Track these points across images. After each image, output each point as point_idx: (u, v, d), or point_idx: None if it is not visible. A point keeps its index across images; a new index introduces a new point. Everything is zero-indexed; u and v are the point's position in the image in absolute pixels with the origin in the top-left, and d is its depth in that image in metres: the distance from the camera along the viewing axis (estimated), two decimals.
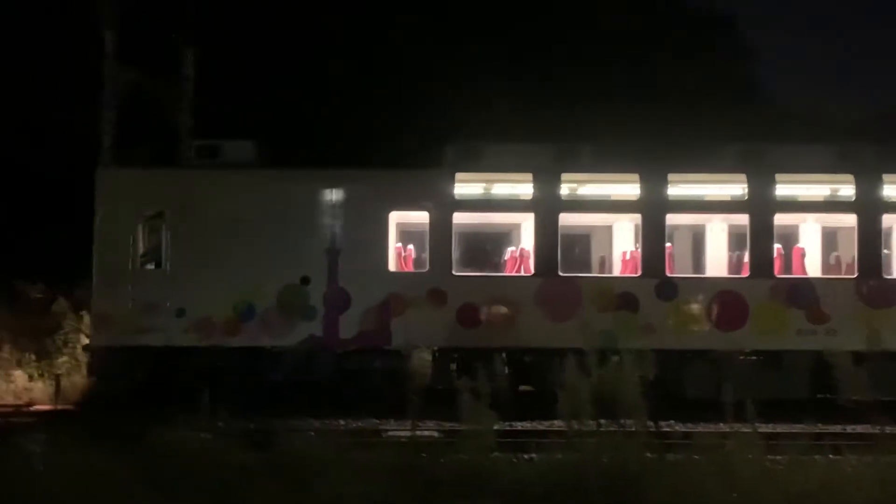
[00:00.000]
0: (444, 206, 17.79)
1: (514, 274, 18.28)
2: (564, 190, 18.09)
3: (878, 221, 17.89)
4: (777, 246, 18.23)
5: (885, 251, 18.32)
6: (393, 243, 18.03)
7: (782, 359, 17.61)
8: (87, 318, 19.85)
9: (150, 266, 18.03)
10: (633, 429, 10.72)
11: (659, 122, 24.25)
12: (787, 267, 18.41)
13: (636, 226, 18.15)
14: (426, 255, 18.05)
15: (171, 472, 10.30)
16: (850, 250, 18.46)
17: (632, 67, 29.84)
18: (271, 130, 21.94)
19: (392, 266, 17.92)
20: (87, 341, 19.21)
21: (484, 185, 18.51)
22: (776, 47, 63.55)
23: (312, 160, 19.97)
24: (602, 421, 10.79)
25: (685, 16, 34.06)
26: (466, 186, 18.21)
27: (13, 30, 28.81)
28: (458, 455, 10.80)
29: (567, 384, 10.86)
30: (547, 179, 17.86)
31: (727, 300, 17.71)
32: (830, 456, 10.77)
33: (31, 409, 18.31)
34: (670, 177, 17.91)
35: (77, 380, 19.73)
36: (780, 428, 14.15)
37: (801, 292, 17.73)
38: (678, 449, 10.92)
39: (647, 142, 18.80)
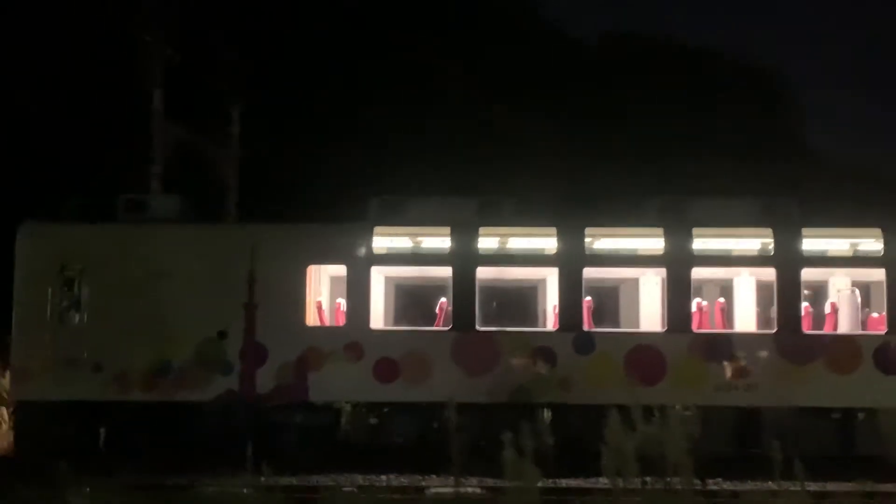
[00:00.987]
0: (363, 260, 17.86)
1: (429, 328, 18.29)
2: (483, 244, 18.14)
3: (797, 275, 17.87)
4: (697, 300, 18.24)
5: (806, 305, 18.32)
6: (311, 297, 18.06)
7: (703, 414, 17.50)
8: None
9: (69, 320, 18.06)
10: (680, 487, 10.61)
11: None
12: (711, 321, 18.43)
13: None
14: (345, 309, 18.09)
15: None
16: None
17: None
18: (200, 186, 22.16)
19: (309, 320, 17.93)
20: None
21: (403, 239, 18.57)
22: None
23: (233, 214, 20.12)
24: (647, 479, 10.70)
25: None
26: (386, 240, 18.28)
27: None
28: None
29: (610, 441, 10.67)
30: (466, 233, 17.93)
31: (645, 355, 17.67)
32: None
33: None
34: (588, 231, 17.97)
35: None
36: (831, 486, 13.81)
37: (720, 347, 17.68)
38: None
39: (565, 196, 18.87)
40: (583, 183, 25.22)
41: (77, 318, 17.96)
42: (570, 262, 17.84)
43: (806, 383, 17.52)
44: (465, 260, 17.87)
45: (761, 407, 17.53)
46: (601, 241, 18.36)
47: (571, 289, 17.79)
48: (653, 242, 18.22)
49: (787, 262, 17.87)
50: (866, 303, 19.06)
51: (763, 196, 18.88)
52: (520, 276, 19.41)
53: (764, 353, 17.65)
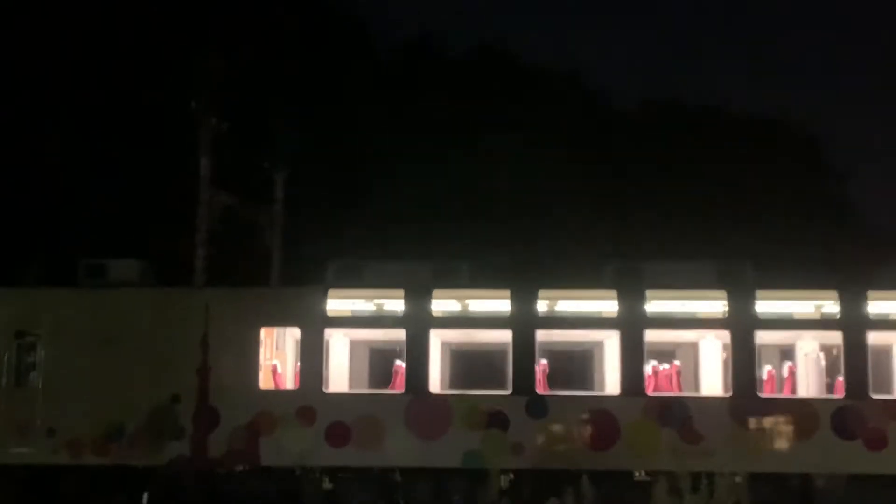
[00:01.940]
0: (316, 323, 17.88)
1: (382, 391, 18.25)
2: (438, 306, 18.16)
3: (751, 338, 17.78)
4: (653, 364, 18.19)
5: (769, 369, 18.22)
6: (263, 361, 18.06)
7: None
8: None
9: (24, 384, 18.05)
10: None
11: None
12: (667, 385, 18.32)
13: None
14: (296, 372, 18.08)
15: None
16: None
17: None
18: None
19: (262, 384, 17.91)
20: None
21: (359, 301, 18.62)
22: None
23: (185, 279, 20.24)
24: None
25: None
26: (340, 303, 18.33)
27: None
28: None
29: None
30: (420, 296, 17.95)
31: (599, 419, 17.54)
32: None
33: None
34: (541, 293, 17.99)
35: None
36: None
37: (674, 411, 17.54)
38: None
39: (519, 259, 18.92)
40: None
41: (32, 382, 17.94)
42: (524, 324, 17.80)
43: (761, 448, 17.32)
44: (419, 322, 17.87)
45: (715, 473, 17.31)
46: (555, 303, 18.37)
47: (525, 351, 17.73)
48: (608, 305, 18.21)
49: (741, 324, 17.81)
50: (836, 367, 18.80)
51: (719, 259, 18.86)
52: (484, 339, 19.36)
53: (719, 418, 17.48)
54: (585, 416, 17.50)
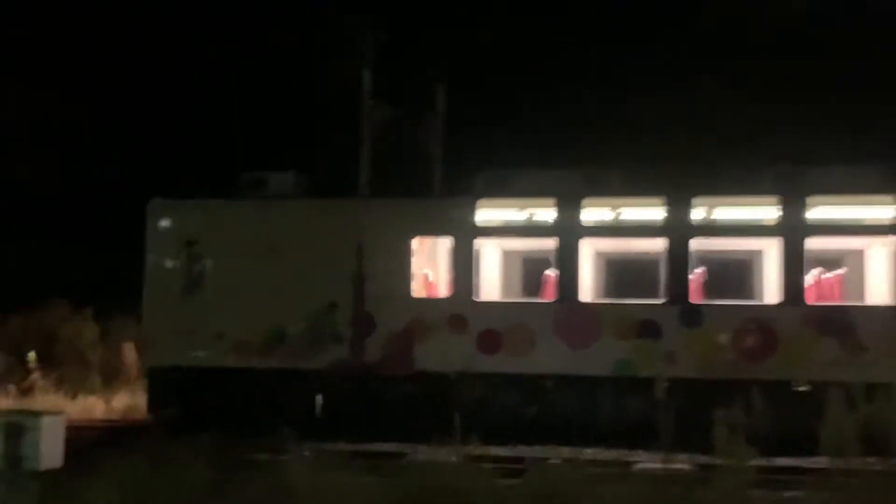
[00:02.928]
0: (467, 233, 18.03)
1: (532, 300, 18.31)
2: (588, 215, 17.98)
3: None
4: (815, 272, 17.57)
5: None
6: (416, 269, 18.39)
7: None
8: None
9: (194, 292, 19.02)
10: None
11: None
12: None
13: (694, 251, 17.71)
14: (448, 281, 18.35)
15: (425, 496, 10.64)
16: None
17: None
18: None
19: (415, 292, 18.28)
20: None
21: (509, 210, 18.64)
22: None
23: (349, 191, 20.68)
24: (870, 459, 10.52)
25: None
26: (490, 213, 18.40)
27: None
28: (713, 491, 10.57)
29: (831, 419, 10.62)
30: (570, 205, 17.80)
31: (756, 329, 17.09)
32: None
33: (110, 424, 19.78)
34: (697, 200, 17.53)
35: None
36: None
37: (835, 321, 16.87)
38: None
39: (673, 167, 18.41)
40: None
41: (200, 289, 18.89)
42: (679, 231, 17.42)
43: None
44: (569, 231, 17.77)
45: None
46: (713, 210, 17.89)
47: (679, 260, 17.40)
48: (768, 212, 17.59)
49: None
50: None
51: (886, 162, 17.82)
52: (634, 249, 19.10)
53: (884, 328, 16.74)
54: (742, 325, 17.09)
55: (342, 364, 18.18)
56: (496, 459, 14.41)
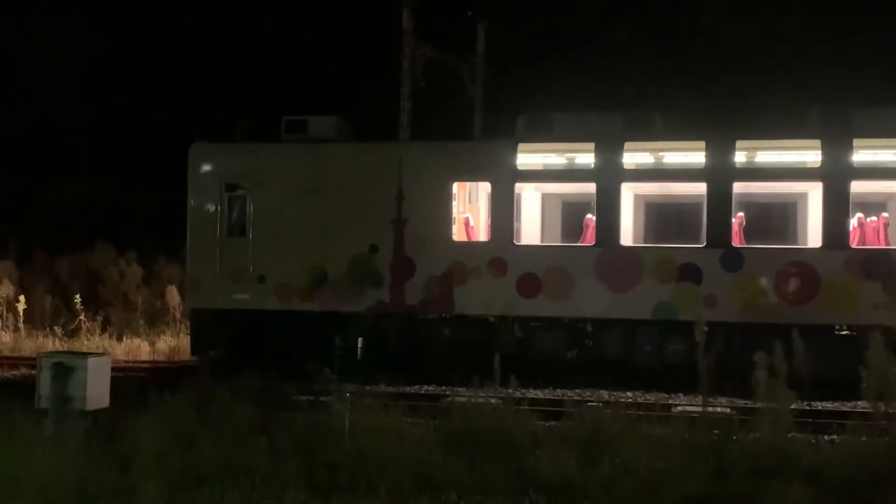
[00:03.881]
0: (506, 177, 17.97)
1: (572, 244, 18.29)
2: (629, 159, 17.85)
3: None
4: (859, 216, 17.36)
5: None
6: (456, 213, 18.40)
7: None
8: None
9: (235, 235, 19.17)
10: None
11: None
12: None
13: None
14: (488, 225, 18.35)
15: (466, 435, 10.82)
16: None
17: None
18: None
19: (455, 236, 18.32)
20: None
21: (549, 154, 18.55)
22: None
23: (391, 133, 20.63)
24: None
25: None
26: (530, 157, 18.32)
27: None
28: (753, 434, 10.70)
29: (872, 364, 10.54)
30: (610, 148, 17.67)
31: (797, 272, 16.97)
32: None
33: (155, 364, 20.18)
34: (739, 143, 17.31)
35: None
36: None
37: (879, 265, 16.70)
38: None
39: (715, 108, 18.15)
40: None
41: (242, 233, 19.02)
42: (719, 174, 17.25)
43: None
44: (609, 175, 17.66)
45: None
46: (756, 153, 17.68)
47: (721, 204, 17.24)
48: (811, 155, 17.35)
49: None
50: None
51: None
52: (675, 192, 18.94)
53: None
54: (783, 269, 16.96)
55: (383, 307, 18.32)
56: (535, 402, 14.55)
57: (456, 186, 18.36)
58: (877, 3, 32.17)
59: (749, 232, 17.85)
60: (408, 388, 16.97)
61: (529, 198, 19.28)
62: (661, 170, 18.41)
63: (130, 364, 19.85)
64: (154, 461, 9.64)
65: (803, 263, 16.92)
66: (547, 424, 12.06)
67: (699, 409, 12.63)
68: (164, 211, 23.49)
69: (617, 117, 17.95)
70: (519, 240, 18.31)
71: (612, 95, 28.04)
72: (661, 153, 18.14)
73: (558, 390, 17.06)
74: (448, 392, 15.93)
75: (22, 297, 23.27)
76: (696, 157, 17.58)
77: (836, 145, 16.83)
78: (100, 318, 23.32)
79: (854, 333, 16.73)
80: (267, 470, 9.64)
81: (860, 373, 10.89)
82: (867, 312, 16.42)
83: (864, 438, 10.39)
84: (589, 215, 18.24)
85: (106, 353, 13.76)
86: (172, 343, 22.10)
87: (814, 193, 17.53)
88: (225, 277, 18.94)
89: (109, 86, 39.41)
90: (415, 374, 17.90)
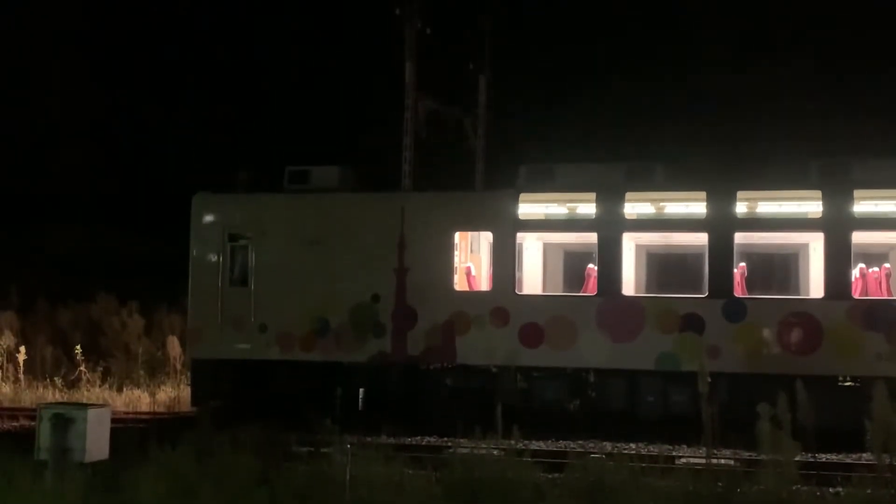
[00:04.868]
0: (508, 227, 18.01)
1: (574, 293, 18.28)
2: (630, 209, 17.90)
3: None
4: (861, 266, 17.37)
5: None
6: (458, 263, 18.42)
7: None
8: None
9: (237, 284, 19.16)
10: None
11: None
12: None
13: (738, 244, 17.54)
14: (489, 275, 18.37)
15: (469, 486, 10.84)
16: None
17: None
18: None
19: (457, 285, 18.32)
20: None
21: (551, 204, 18.62)
22: None
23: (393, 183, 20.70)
24: None
25: None
26: (532, 207, 18.38)
27: None
28: (757, 486, 10.68)
29: (877, 415, 10.61)
30: (612, 199, 17.71)
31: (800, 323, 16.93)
32: None
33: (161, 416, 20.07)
34: (740, 194, 17.36)
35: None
36: None
37: (881, 315, 16.66)
38: None
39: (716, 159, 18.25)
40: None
41: (244, 283, 19.01)
42: (721, 224, 17.28)
43: None
44: (611, 225, 17.69)
45: None
46: (757, 204, 17.74)
47: (722, 254, 17.25)
48: (813, 206, 17.39)
49: None
50: None
51: None
52: (677, 242, 18.97)
53: None
54: (786, 319, 16.92)
55: (384, 357, 18.26)
56: (538, 453, 14.45)
57: (458, 236, 18.41)
58: (878, 52, 32.51)
59: (751, 282, 17.86)
60: (409, 439, 16.87)
61: (531, 247, 19.32)
62: (663, 220, 18.45)
63: (131, 415, 19.75)
64: None
65: (806, 314, 16.90)
66: (550, 476, 11.98)
67: (703, 460, 12.57)
68: (167, 261, 23.49)
69: (618, 167, 18.04)
70: (521, 289, 18.31)
71: (614, 146, 28.26)
72: (662, 203, 18.20)
73: (561, 441, 16.96)
74: (450, 443, 15.83)
75: (22, 348, 23.21)
76: (697, 207, 17.64)
77: (837, 196, 16.89)
78: (100, 369, 23.24)
79: (857, 384, 16.65)
80: None
81: (864, 424, 10.84)
82: (870, 363, 16.36)
83: (869, 491, 10.32)
84: (591, 265, 18.24)
85: (106, 405, 13.71)
86: (173, 394, 21.99)
87: (815, 244, 17.55)
88: (226, 327, 18.92)
89: (112, 135, 39.72)
90: (416, 425, 17.80)
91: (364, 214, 18.70)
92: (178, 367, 23.25)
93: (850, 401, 15.31)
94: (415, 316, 18.20)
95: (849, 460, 14.79)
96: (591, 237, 17.86)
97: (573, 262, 19.26)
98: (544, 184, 18.18)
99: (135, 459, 11.44)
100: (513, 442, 12.23)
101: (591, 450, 15.37)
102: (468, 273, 18.79)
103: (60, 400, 20.60)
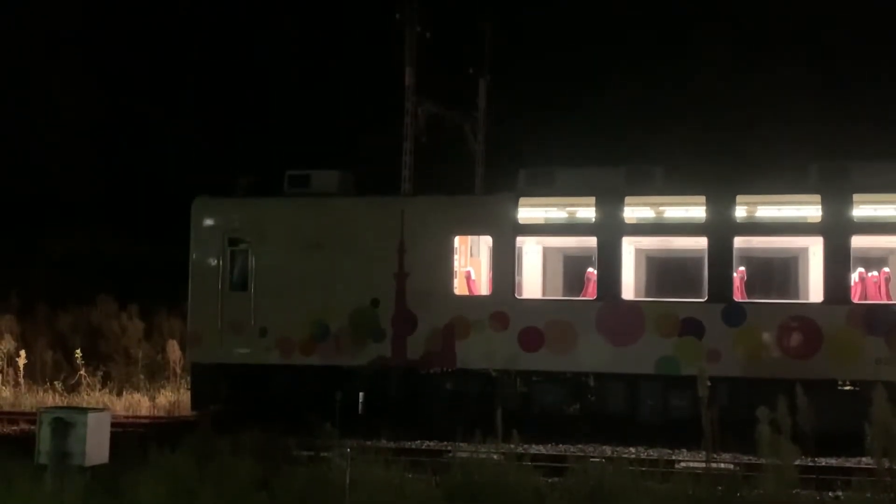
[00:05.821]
0: (507, 231, 18.01)
1: (574, 298, 18.29)
2: (629, 213, 17.91)
3: None
4: (860, 270, 17.39)
5: None
6: (457, 267, 18.42)
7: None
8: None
9: (237, 288, 19.15)
10: None
11: None
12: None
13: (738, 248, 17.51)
14: (489, 279, 18.37)
15: (469, 490, 10.85)
16: None
17: None
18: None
19: (456, 289, 18.32)
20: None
21: (550, 209, 18.63)
22: None
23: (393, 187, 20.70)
24: None
25: None
26: (531, 211, 18.39)
27: None
28: (757, 490, 10.69)
29: (876, 419, 10.60)
30: (611, 203, 17.73)
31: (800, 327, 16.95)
32: None
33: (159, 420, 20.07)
34: (739, 198, 17.38)
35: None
36: None
37: (881, 319, 16.67)
38: None
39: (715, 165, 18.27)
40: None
41: (244, 287, 19.00)
42: (720, 229, 17.29)
43: None
44: (611, 229, 17.70)
45: None
46: (756, 208, 17.76)
47: (722, 258, 17.25)
48: (812, 210, 17.40)
49: None
50: None
51: None
52: (676, 246, 18.98)
53: None
54: (785, 323, 16.92)
55: (384, 361, 18.26)
56: (538, 457, 14.44)
57: (457, 240, 18.42)
58: (879, 54, 32.59)
59: (750, 286, 17.85)
60: (409, 443, 16.87)
61: (531, 251, 19.33)
62: (662, 224, 18.47)
63: (130, 419, 19.75)
64: None
65: (805, 318, 16.90)
66: (549, 480, 11.98)
67: (703, 464, 12.59)
68: (167, 265, 23.49)
69: (618, 172, 18.05)
70: (520, 293, 18.32)
71: (613, 150, 28.32)
72: (661, 207, 18.22)
73: (561, 445, 16.96)
74: (450, 447, 15.82)
75: (22, 352, 23.21)
76: (696, 211, 17.66)
77: (837, 200, 16.90)
78: (100, 373, 23.24)
79: (857, 389, 16.66)
80: None
81: (864, 428, 10.85)
82: (870, 367, 16.37)
83: (868, 495, 10.34)
84: (590, 269, 18.25)
85: (106, 409, 13.71)
86: (172, 398, 22.01)
87: (815, 248, 17.55)
88: (226, 331, 18.91)
89: (112, 138, 39.74)
90: (416, 429, 17.80)
91: (364, 218, 18.71)
92: (178, 371, 23.25)
93: (850, 405, 15.35)
94: (414, 320, 18.20)
95: (848, 464, 14.80)
96: (591, 241, 17.87)
97: (573, 266, 19.26)
98: (544, 188, 18.20)
99: (135, 463, 11.45)
100: (513, 446, 12.26)
101: (591, 454, 15.40)
102: (468, 277, 18.80)
103: (60, 404, 20.62)
